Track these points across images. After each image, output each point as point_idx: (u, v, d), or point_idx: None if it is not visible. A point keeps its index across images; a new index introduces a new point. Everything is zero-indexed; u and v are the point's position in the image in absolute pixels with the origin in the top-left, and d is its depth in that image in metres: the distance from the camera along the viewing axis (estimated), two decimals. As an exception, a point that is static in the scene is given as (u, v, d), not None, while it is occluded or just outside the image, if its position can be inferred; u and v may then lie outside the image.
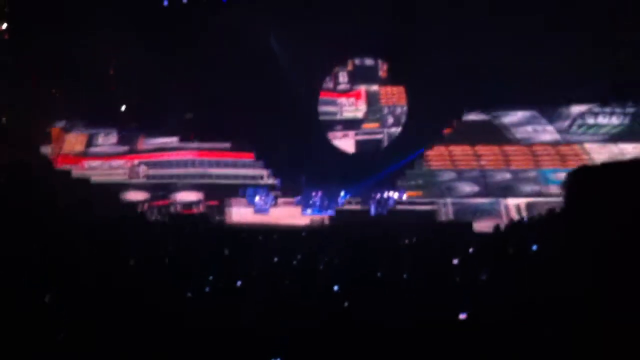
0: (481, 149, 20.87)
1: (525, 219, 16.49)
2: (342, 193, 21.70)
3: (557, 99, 20.20)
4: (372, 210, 21.24)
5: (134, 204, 20.58)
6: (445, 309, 5.49)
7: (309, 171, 21.05)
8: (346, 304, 6.25)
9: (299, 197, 21.27)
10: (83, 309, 5.48)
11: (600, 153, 19.25)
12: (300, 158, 20.77)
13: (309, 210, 21.20)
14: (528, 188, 19.76)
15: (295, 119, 21.03)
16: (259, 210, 20.64)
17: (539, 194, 19.21)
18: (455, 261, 8.61)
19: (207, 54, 20.23)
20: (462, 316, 5.14)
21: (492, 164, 20.44)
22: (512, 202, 19.34)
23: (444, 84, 19.55)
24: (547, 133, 20.69)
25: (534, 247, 8.58)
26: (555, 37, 18.16)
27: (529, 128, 20.92)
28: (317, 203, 21.50)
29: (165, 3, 20.43)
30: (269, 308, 6.14)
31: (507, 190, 19.77)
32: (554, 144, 20.40)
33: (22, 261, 7.32)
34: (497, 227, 12.52)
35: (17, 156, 17.86)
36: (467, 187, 20.34)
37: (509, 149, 20.69)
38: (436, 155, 21.20)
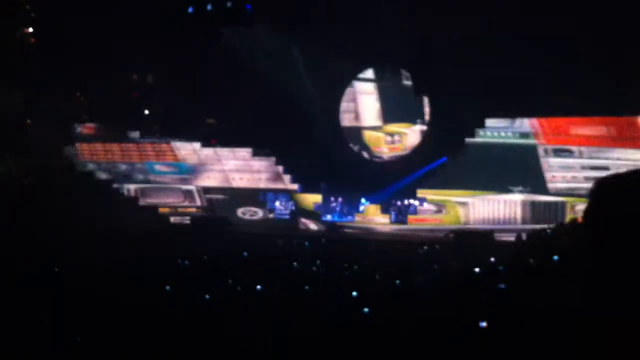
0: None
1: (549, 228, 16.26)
2: (363, 200, 21.69)
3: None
4: (393, 218, 21.19)
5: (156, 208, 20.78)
6: (464, 317, 5.47)
7: (330, 177, 21.06)
8: (365, 310, 6.25)
9: (318, 203, 21.30)
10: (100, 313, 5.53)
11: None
12: (321, 164, 20.77)
13: (328, 217, 21.22)
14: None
15: (317, 125, 21.08)
16: (279, 216, 20.69)
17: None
18: (477, 269, 8.56)
19: (230, 61, 20.39)
20: (482, 324, 5.10)
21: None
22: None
23: (466, 92, 19.44)
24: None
25: (556, 258, 8.50)
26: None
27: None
28: (337, 209, 21.51)
29: (190, 10, 20.62)
30: (287, 313, 6.16)
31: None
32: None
33: (42, 262, 7.42)
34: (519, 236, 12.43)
35: (42, 158, 18.16)
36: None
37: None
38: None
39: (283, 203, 20.97)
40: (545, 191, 18.64)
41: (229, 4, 19.97)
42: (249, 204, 21.05)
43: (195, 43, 20.10)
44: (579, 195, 17.58)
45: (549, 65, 17.97)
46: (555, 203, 18.41)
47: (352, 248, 12.36)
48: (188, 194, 21.20)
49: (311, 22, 20.29)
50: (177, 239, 13.23)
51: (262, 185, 21.26)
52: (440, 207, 19.91)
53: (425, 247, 13.30)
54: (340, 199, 21.62)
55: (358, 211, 21.40)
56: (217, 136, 21.83)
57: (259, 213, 21.00)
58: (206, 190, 21.27)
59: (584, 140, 18.54)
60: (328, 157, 20.86)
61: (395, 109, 22.28)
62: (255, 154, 21.46)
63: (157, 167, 21.29)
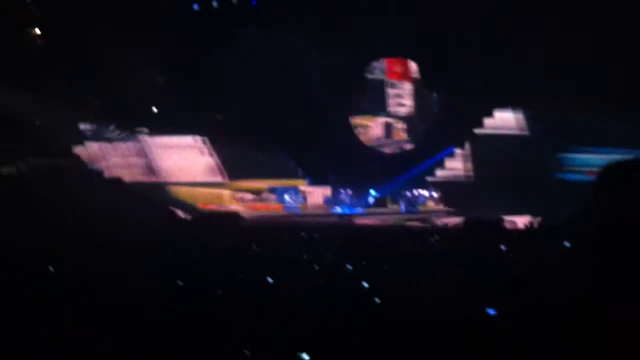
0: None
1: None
2: (372, 191, 21.69)
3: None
4: (403, 208, 21.20)
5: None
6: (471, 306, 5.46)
7: (339, 169, 21.07)
8: (377, 300, 6.25)
9: (328, 196, 21.32)
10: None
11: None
12: (330, 156, 20.78)
13: (338, 209, 21.23)
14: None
15: (326, 118, 21.05)
16: (288, 209, 20.72)
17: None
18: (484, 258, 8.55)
19: (237, 55, 20.35)
20: (491, 312, 5.09)
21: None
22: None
23: (473, 83, 19.40)
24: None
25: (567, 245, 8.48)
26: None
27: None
28: (347, 201, 21.53)
29: (196, 7, 20.60)
30: (296, 304, 6.17)
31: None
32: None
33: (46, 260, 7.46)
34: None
35: (50, 157, 18.20)
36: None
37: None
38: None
39: (292, 196, 20.98)
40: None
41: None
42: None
43: (199, 40, 20.02)
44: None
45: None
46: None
47: (361, 240, 12.34)
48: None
49: (318, 13, 20.25)
50: (182, 233, 13.25)
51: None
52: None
53: (437, 237, 13.27)
54: (349, 191, 21.64)
55: (368, 203, 21.41)
56: (226, 131, 21.76)
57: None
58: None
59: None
60: (337, 149, 20.87)
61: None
62: (264, 147, 21.41)
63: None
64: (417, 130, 22.54)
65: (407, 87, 22.80)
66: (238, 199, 19.84)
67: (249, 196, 20.01)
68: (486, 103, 20.44)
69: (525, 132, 20.38)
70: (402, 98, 22.81)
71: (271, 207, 19.83)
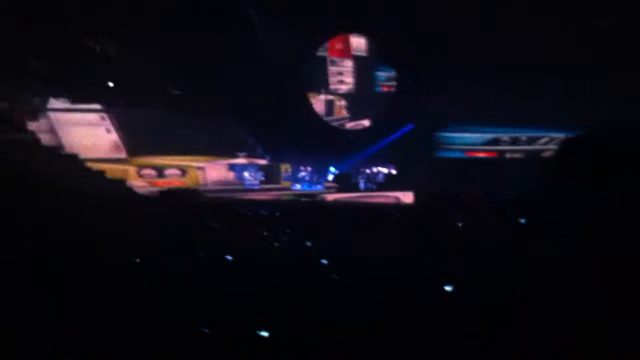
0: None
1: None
2: (332, 168, 21.75)
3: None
4: (362, 185, 21.33)
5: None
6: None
7: (298, 147, 21.02)
8: (335, 277, 6.29)
9: (287, 173, 21.27)
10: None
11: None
12: (290, 133, 20.69)
13: (298, 186, 21.23)
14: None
15: (285, 94, 20.92)
16: (248, 186, 20.60)
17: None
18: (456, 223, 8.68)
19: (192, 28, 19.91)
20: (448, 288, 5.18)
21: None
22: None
23: (433, 60, 19.51)
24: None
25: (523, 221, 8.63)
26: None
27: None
28: (307, 178, 21.55)
29: None
30: (260, 283, 6.16)
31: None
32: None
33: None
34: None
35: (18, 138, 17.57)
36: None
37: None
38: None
39: (252, 173, 20.86)
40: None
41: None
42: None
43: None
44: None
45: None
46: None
47: (321, 216, 12.36)
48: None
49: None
50: (140, 209, 13.05)
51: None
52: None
53: (395, 212, 13.37)
54: (309, 168, 21.65)
55: (327, 180, 21.47)
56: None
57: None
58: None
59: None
60: (296, 125, 20.80)
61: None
62: (225, 126, 21.18)
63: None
64: (367, 107, 22.74)
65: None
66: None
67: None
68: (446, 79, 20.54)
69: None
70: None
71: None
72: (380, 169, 21.81)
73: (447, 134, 18.98)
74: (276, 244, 8.99)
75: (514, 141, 16.69)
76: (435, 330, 4.49)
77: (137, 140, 19.95)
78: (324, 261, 7.01)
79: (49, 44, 18.72)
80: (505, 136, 16.89)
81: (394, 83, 22.51)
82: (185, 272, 6.64)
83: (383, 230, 9.76)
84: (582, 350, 3.73)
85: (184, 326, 4.87)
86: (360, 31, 22.53)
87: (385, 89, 22.83)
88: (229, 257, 7.63)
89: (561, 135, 15.64)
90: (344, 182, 20.74)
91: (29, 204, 10.33)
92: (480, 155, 17.47)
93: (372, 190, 20.86)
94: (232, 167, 20.79)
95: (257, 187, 20.57)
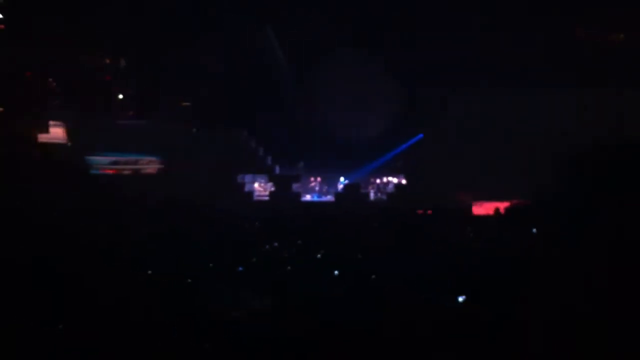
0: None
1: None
2: (342, 178, 21.72)
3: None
4: (372, 195, 21.27)
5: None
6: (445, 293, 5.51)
7: (308, 157, 21.03)
8: (345, 289, 6.28)
9: (298, 184, 21.25)
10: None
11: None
12: (299, 144, 20.73)
13: (308, 196, 21.21)
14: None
15: (295, 107, 20.99)
16: (258, 197, 20.60)
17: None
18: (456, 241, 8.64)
19: (207, 46, 20.11)
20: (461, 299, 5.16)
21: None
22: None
23: (441, 71, 19.57)
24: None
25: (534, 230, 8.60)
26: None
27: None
28: (317, 189, 21.53)
29: None
30: (271, 294, 6.16)
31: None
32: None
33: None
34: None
35: (18, 148, 17.76)
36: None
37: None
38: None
39: (262, 184, 20.87)
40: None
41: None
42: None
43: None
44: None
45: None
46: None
47: (333, 227, 12.35)
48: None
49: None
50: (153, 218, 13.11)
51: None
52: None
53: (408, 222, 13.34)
54: (319, 179, 21.64)
55: (337, 190, 21.44)
56: (194, 120, 21.57)
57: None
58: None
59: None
60: (306, 137, 20.84)
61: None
62: (234, 135, 21.26)
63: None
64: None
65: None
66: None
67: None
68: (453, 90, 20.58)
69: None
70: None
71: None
72: (390, 178, 21.75)
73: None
74: (285, 255, 9.00)
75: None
76: (435, 330, 4.48)
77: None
78: (336, 272, 7.00)
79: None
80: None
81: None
82: (191, 277, 6.67)
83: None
84: (582, 350, 3.71)
85: (183, 326, 4.90)
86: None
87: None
88: (240, 268, 7.64)
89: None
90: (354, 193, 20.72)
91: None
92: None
93: (382, 200, 20.83)
94: (242, 178, 20.83)
95: (266, 198, 20.59)
